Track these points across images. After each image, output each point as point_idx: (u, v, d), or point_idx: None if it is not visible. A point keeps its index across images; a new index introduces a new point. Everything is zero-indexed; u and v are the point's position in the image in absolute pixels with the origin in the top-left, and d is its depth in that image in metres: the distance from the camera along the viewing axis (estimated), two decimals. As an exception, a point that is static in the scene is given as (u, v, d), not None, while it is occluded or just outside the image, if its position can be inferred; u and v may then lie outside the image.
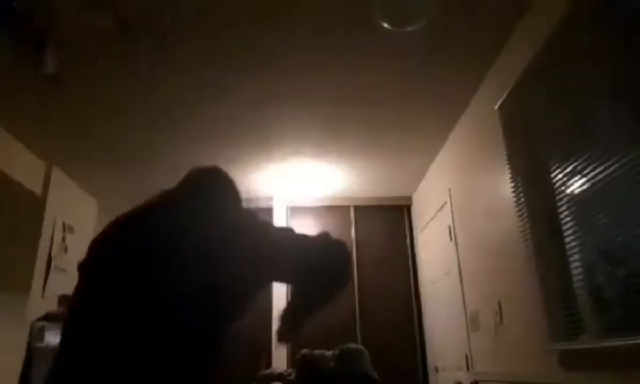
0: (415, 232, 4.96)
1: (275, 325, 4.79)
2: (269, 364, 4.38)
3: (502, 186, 2.68)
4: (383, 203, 5.10)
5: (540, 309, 2.25)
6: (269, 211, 5.05)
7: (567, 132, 2.11)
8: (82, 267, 1.12)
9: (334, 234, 1.16)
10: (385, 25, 2.39)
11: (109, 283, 1.03)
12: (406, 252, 4.97)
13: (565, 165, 2.08)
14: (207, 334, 1.05)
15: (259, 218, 1.18)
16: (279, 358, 4.51)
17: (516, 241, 2.49)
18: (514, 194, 2.50)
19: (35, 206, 3.91)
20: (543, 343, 2.23)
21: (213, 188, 1.33)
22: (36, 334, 3.66)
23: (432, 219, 4.30)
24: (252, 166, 4.27)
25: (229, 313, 1.11)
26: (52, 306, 3.93)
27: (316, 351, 2.92)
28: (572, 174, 2.04)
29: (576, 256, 2.06)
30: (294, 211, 5.11)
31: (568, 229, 2.10)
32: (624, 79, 1.73)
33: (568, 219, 2.11)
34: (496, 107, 2.67)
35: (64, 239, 4.22)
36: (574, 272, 2.08)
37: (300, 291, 1.22)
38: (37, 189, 3.91)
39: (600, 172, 1.83)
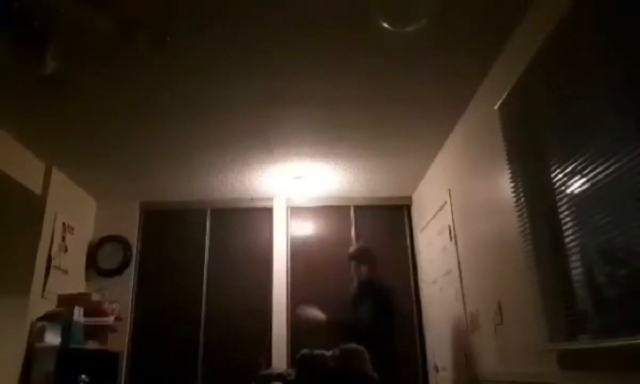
0: (415, 232, 4.96)
1: (274, 325, 4.84)
2: (269, 364, 4.38)
3: (502, 186, 2.68)
4: (383, 203, 5.09)
5: (540, 309, 2.25)
6: (269, 211, 5.06)
7: (567, 132, 2.11)
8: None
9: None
10: (385, 25, 2.40)
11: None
12: (406, 252, 4.97)
13: (565, 165, 2.08)
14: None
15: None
16: (279, 357, 4.51)
17: (516, 241, 2.49)
18: (514, 194, 2.50)
19: (35, 206, 3.91)
20: (543, 343, 2.23)
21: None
22: (36, 334, 3.67)
23: (432, 219, 4.30)
24: (252, 166, 4.27)
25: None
26: (52, 306, 3.94)
27: (316, 351, 2.92)
28: (572, 174, 2.04)
29: (576, 256, 2.06)
30: (294, 211, 5.11)
31: (568, 229, 2.10)
32: (624, 78, 1.73)
33: (568, 219, 2.11)
34: (496, 107, 2.67)
35: (64, 239, 4.23)
36: (573, 272, 2.08)
37: None
38: (37, 189, 3.91)
39: (600, 172, 1.82)
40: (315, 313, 3.58)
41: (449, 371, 3.91)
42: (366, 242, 4.00)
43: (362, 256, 3.73)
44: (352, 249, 3.95)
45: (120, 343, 4.41)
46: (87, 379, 3.51)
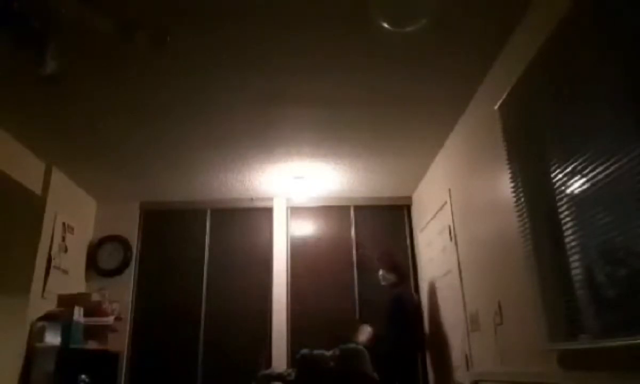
0: (415, 232, 4.96)
1: (274, 325, 4.85)
2: (269, 364, 4.39)
3: (502, 186, 2.68)
4: (383, 203, 5.10)
5: (540, 309, 2.25)
6: (269, 211, 5.06)
7: (567, 132, 2.11)
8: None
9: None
10: (386, 25, 2.40)
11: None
12: (406, 252, 4.97)
13: (565, 165, 2.08)
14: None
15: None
16: (279, 358, 4.51)
17: (516, 241, 2.49)
18: (514, 194, 2.50)
19: (35, 206, 3.91)
20: (543, 343, 2.23)
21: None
22: (36, 334, 3.67)
23: (432, 219, 4.30)
24: (252, 166, 4.28)
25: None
26: (52, 306, 3.94)
27: (316, 351, 2.93)
28: (572, 174, 2.04)
29: (576, 256, 2.06)
30: (294, 211, 5.11)
31: (568, 229, 2.10)
32: (624, 78, 1.73)
33: (568, 219, 2.10)
34: (496, 107, 2.67)
35: (64, 239, 4.23)
36: (573, 272, 2.08)
37: None
38: (37, 189, 3.91)
39: (600, 172, 1.82)
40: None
41: (449, 371, 3.91)
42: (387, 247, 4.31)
43: (385, 262, 3.99)
44: (378, 255, 4.23)
45: (120, 343, 4.42)
46: (87, 379, 3.51)
